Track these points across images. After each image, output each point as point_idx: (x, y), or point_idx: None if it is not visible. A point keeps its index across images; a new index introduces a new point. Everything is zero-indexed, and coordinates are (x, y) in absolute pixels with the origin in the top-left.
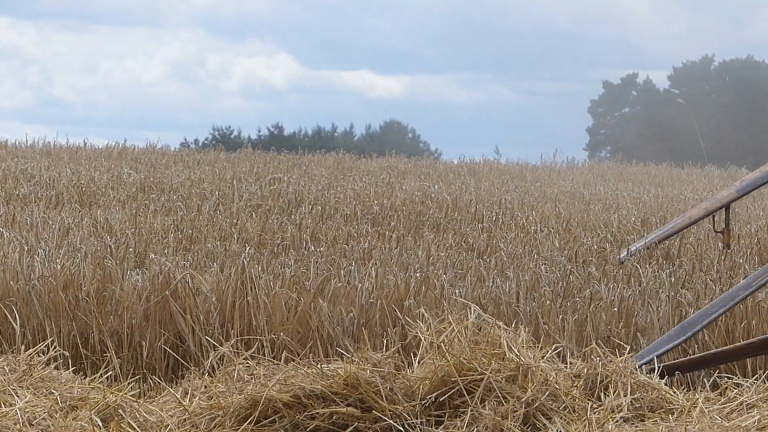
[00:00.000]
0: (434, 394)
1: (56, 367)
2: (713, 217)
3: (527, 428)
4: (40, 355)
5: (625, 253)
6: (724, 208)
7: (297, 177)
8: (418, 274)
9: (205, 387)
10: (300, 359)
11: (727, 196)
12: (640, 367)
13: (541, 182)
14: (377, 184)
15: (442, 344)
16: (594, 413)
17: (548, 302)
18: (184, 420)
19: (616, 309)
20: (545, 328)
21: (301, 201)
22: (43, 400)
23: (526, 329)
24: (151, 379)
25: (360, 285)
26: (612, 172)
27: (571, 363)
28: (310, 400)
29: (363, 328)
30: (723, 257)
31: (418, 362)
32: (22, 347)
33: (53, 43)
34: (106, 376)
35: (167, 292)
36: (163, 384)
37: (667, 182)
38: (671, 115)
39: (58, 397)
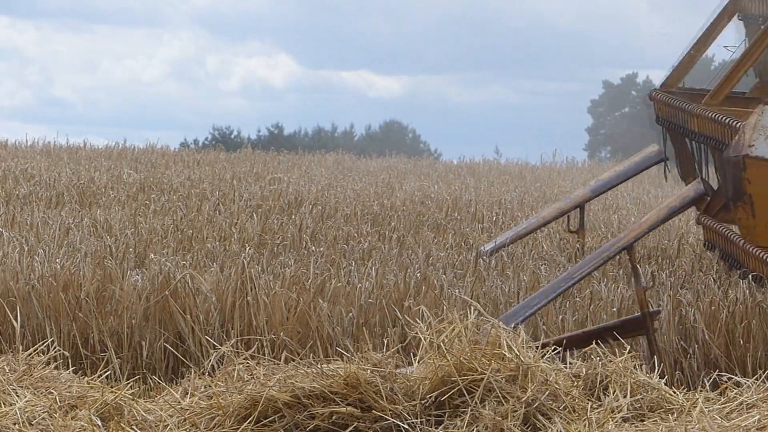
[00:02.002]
0: (434, 394)
1: (56, 367)
2: (568, 217)
3: (527, 428)
4: (40, 354)
5: (490, 246)
6: (578, 208)
7: (297, 177)
8: (418, 274)
9: (205, 387)
10: (300, 359)
11: (580, 196)
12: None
13: (541, 182)
14: (377, 184)
15: (442, 344)
16: (594, 413)
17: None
18: (184, 419)
19: (616, 309)
20: (544, 328)
21: (301, 201)
22: (42, 399)
23: (528, 329)
24: (150, 378)
25: (360, 285)
26: None
27: (570, 363)
28: (310, 399)
29: (363, 328)
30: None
31: (418, 362)
32: (22, 347)
33: (53, 42)
34: (105, 375)
35: (167, 292)
36: (163, 384)
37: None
38: None
39: (58, 397)
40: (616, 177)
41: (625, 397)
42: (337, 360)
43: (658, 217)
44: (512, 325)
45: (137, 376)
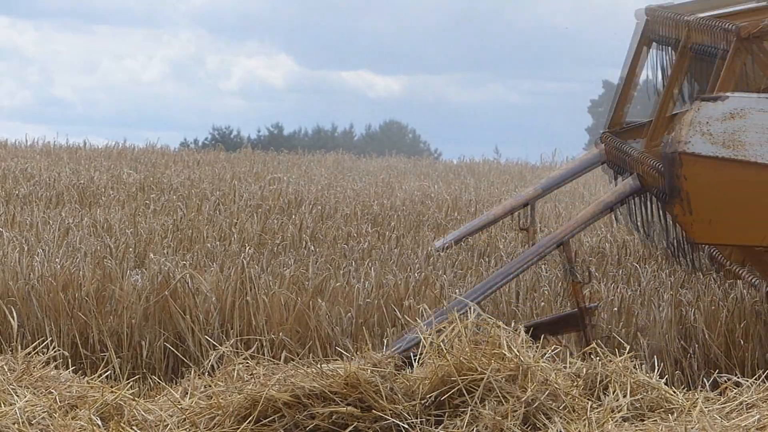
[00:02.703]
0: (434, 394)
1: (56, 367)
2: (519, 214)
3: (527, 428)
4: (40, 354)
5: (440, 243)
6: (528, 206)
7: (297, 177)
8: (417, 274)
9: (205, 387)
10: (299, 359)
11: (530, 194)
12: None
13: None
14: (377, 184)
15: (441, 344)
16: (594, 413)
17: (549, 302)
18: (184, 419)
19: (616, 309)
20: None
21: (301, 201)
22: (42, 399)
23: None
24: (150, 378)
25: (359, 285)
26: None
27: (570, 363)
28: (309, 399)
29: (363, 328)
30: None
31: (418, 362)
32: (21, 347)
33: (53, 42)
34: (105, 375)
35: (166, 292)
36: (163, 384)
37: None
38: None
39: (58, 397)
40: (567, 174)
41: (625, 396)
42: (336, 360)
43: (593, 212)
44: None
45: (137, 376)
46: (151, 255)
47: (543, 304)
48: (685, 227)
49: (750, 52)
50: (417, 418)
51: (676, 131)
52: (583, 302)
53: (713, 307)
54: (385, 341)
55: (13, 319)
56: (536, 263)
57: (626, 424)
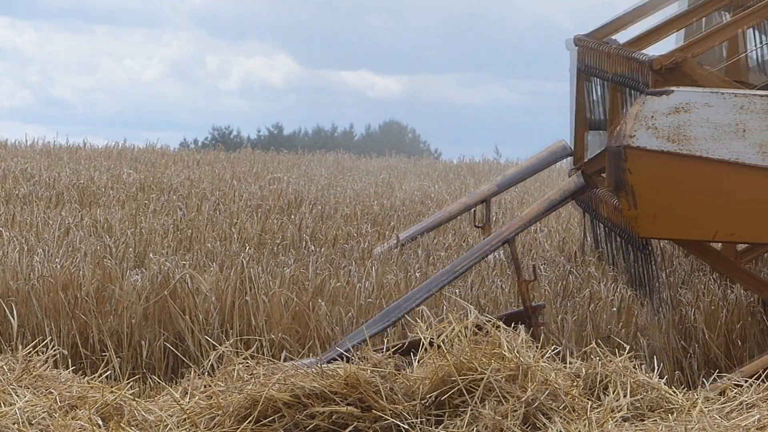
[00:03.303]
0: (434, 394)
1: (55, 367)
2: (474, 212)
3: (527, 428)
4: (40, 354)
5: (394, 241)
6: (484, 203)
7: (297, 177)
8: (418, 274)
9: (205, 386)
10: (299, 359)
11: (486, 191)
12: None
13: (540, 182)
14: (377, 183)
15: (442, 344)
16: (594, 412)
17: (549, 301)
18: (184, 419)
19: (615, 309)
20: (543, 327)
21: (301, 201)
22: (42, 399)
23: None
24: (150, 378)
25: (359, 284)
26: None
27: (570, 363)
28: (309, 399)
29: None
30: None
31: (418, 362)
32: (21, 346)
33: (52, 42)
34: (105, 375)
35: (166, 292)
36: (163, 384)
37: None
38: None
39: (58, 397)
40: (523, 172)
41: (625, 396)
42: (336, 360)
43: (538, 210)
44: (392, 321)
45: (137, 376)
46: (151, 255)
47: (543, 302)
48: (631, 221)
49: (668, 81)
50: (417, 418)
51: (622, 125)
52: (529, 301)
53: (713, 307)
54: (385, 341)
55: (14, 319)
56: (480, 261)
57: (626, 424)
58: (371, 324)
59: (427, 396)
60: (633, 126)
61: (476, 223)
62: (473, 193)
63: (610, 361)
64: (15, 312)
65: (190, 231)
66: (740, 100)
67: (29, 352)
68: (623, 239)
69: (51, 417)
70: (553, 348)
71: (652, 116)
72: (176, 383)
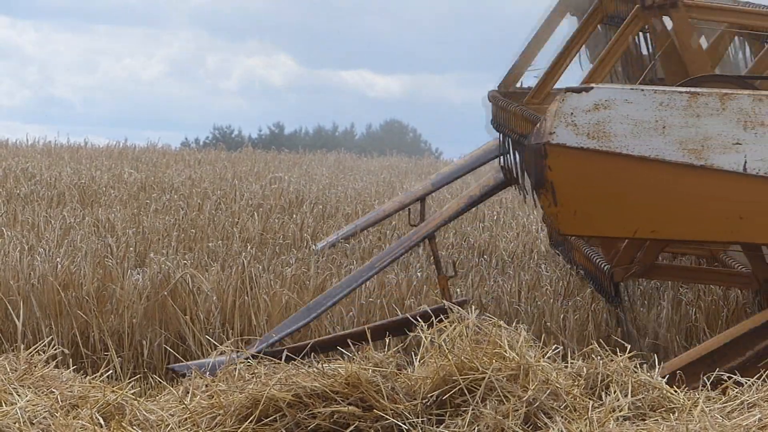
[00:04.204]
0: (435, 393)
1: (57, 366)
2: (409, 210)
3: (528, 427)
4: (41, 353)
5: (324, 244)
6: (419, 202)
7: (298, 176)
8: (419, 273)
9: (206, 386)
10: (301, 358)
11: (421, 190)
12: (260, 353)
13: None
14: (378, 183)
15: (443, 344)
16: (595, 412)
17: (550, 301)
18: (185, 419)
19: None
20: (548, 325)
21: (302, 200)
22: (43, 399)
23: (529, 328)
24: (151, 378)
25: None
26: None
27: (572, 362)
28: (311, 399)
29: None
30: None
31: (419, 362)
32: (23, 346)
33: (52, 42)
34: (106, 374)
35: (165, 292)
36: (164, 383)
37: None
38: None
39: (59, 396)
40: (457, 170)
41: (626, 396)
42: (338, 359)
43: (458, 206)
44: (314, 316)
45: (138, 376)
46: (152, 254)
47: (544, 301)
48: (552, 218)
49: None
50: (418, 418)
51: (542, 122)
52: (449, 297)
53: (714, 307)
54: (386, 341)
55: (18, 319)
56: (401, 257)
57: (627, 423)
58: (294, 319)
59: (429, 395)
60: (553, 123)
61: (411, 222)
62: (409, 192)
63: (612, 360)
64: (21, 312)
65: (191, 230)
66: (660, 96)
67: (31, 353)
68: (594, 288)
69: (52, 417)
70: (554, 347)
71: (572, 113)
72: (177, 383)
